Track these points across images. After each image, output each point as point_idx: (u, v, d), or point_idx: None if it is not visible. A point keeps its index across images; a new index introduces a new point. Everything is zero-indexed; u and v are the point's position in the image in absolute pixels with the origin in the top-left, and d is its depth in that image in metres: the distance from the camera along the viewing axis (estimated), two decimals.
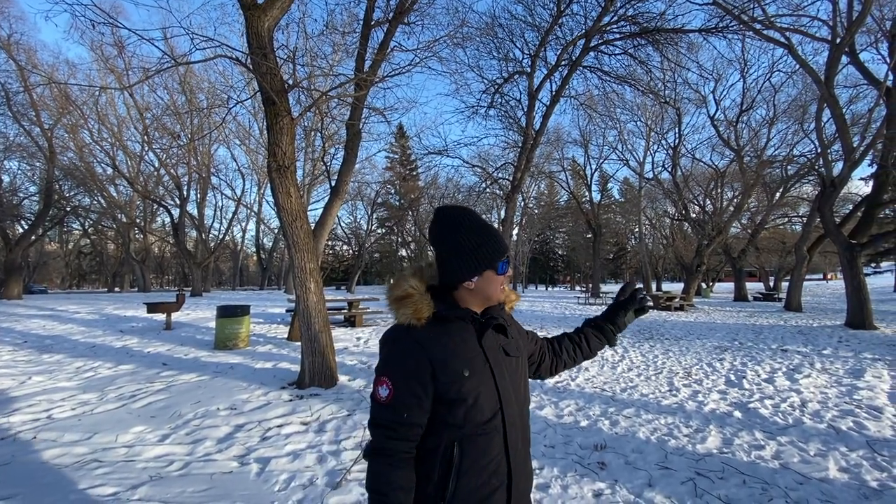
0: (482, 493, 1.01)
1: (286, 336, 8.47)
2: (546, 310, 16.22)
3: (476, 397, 1.02)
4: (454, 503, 0.99)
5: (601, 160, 29.26)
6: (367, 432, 3.82)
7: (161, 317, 10.51)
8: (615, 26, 10.70)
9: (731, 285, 32.15)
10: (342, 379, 5.33)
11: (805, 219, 19.30)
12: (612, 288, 37.98)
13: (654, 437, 3.64)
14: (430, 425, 1.03)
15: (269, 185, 5.44)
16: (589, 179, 29.70)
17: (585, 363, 6.53)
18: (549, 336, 1.45)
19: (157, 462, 3.12)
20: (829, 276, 56.62)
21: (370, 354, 6.93)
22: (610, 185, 34.45)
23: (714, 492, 2.72)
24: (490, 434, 1.03)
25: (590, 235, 33.46)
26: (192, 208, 25.09)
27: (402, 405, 1.00)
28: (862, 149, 10.78)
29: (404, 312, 1.05)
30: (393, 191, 38.21)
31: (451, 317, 1.07)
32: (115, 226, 28.49)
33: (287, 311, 11.33)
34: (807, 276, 20.44)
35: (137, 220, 28.28)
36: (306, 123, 15.35)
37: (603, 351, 7.60)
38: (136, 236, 29.79)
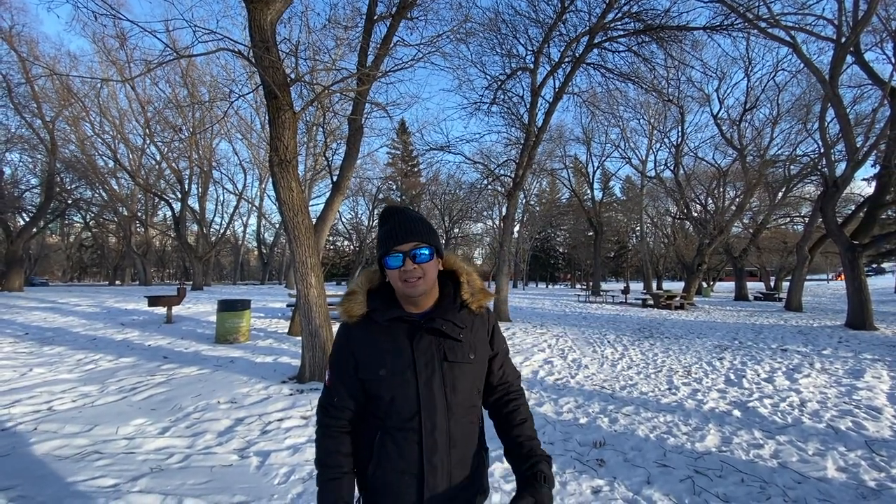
0: (393, 488, 1.08)
1: (287, 331, 8.49)
2: (546, 307, 16.23)
3: (393, 397, 1.08)
4: (371, 488, 1.11)
5: (603, 158, 29.21)
6: None
7: (162, 310, 10.55)
8: (619, 23, 10.63)
9: (731, 285, 32.21)
10: None
11: (807, 219, 19.26)
12: (612, 286, 37.99)
13: (653, 434, 3.64)
14: (364, 414, 1.15)
15: (270, 179, 5.44)
16: (591, 177, 29.66)
17: (584, 361, 6.54)
18: (510, 403, 1.23)
19: (158, 454, 3.14)
20: (839, 277, 56.37)
21: None
22: (612, 183, 34.47)
23: (712, 490, 2.73)
24: (408, 433, 1.08)
25: (591, 233, 33.43)
26: (193, 202, 25.11)
27: (333, 390, 1.16)
28: (865, 149, 10.75)
29: (340, 310, 1.16)
30: (395, 186, 38.14)
31: (380, 317, 1.11)
32: (116, 219, 28.54)
33: (288, 305, 11.34)
34: (809, 277, 20.41)
35: (139, 214, 28.31)
36: (308, 118, 15.31)
37: (603, 349, 7.60)
38: (138, 230, 29.84)
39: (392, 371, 1.08)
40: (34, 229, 20.51)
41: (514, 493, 1.05)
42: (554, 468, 3.08)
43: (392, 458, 1.08)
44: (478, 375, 1.17)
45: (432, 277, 1.11)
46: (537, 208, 39.85)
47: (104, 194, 24.25)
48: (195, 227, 29.42)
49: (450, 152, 13.73)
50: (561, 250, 54.54)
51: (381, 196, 35.33)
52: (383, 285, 1.16)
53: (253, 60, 4.68)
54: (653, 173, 25.53)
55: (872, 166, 15.00)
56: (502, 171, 14.89)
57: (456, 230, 30.71)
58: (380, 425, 1.10)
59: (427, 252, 1.08)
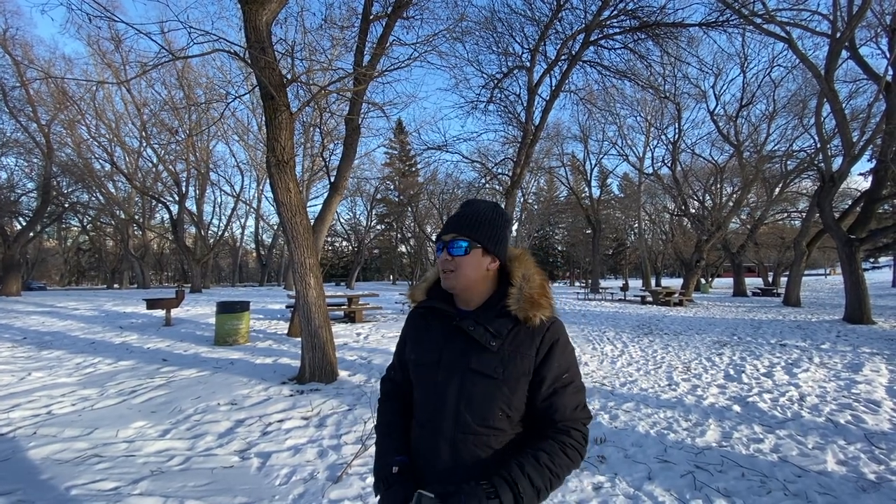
0: (415, 463, 1.10)
1: (286, 332, 8.48)
2: None
3: (416, 386, 1.13)
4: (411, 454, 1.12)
5: (601, 155, 29.28)
6: (368, 427, 3.82)
7: (160, 313, 10.52)
8: (615, 20, 10.64)
9: (730, 280, 32.21)
10: (342, 374, 5.34)
11: (804, 214, 19.31)
12: (611, 283, 38.07)
13: (654, 430, 3.65)
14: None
15: (268, 180, 5.43)
16: (588, 175, 29.67)
17: (584, 358, 6.55)
18: (539, 440, 1.00)
19: (158, 457, 3.13)
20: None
21: (370, 350, 6.94)
22: (609, 180, 34.36)
23: (713, 485, 2.74)
24: (422, 426, 1.09)
25: (589, 231, 33.45)
26: (190, 204, 25.03)
27: (392, 362, 1.27)
28: (861, 144, 10.77)
29: (408, 293, 1.22)
30: (392, 186, 38.15)
31: (423, 306, 1.15)
32: (113, 222, 28.43)
33: (287, 306, 11.34)
34: (806, 272, 20.47)
35: (136, 217, 28.19)
36: (305, 119, 15.28)
37: (604, 347, 7.60)
38: (135, 233, 29.71)
39: (419, 361, 1.11)
40: (31, 233, 20.40)
41: None
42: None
43: (414, 443, 1.12)
44: (504, 396, 1.00)
45: (467, 274, 1.03)
46: (535, 206, 39.88)
47: (101, 198, 24.14)
48: (193, 230, 29.37)
49: (447, 151, 13.77)
50: (559, 248, 54.55)
51: (378, 196, 35.38)
52: None
53: (249, 61, 4.67)
54: (650, 170, 25.59)
55: (869, 160, 15.02)
56: (500, 170, 14.90)
57: None
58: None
59: (462, 246, 1.02)
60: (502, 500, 0.87)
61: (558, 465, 0.95)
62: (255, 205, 32.27)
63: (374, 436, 1.19)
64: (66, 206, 23.81)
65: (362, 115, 7.92)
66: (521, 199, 32.85)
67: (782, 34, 10.59)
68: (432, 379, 1.06)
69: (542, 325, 1.03)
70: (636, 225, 36.13)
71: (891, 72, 10.42)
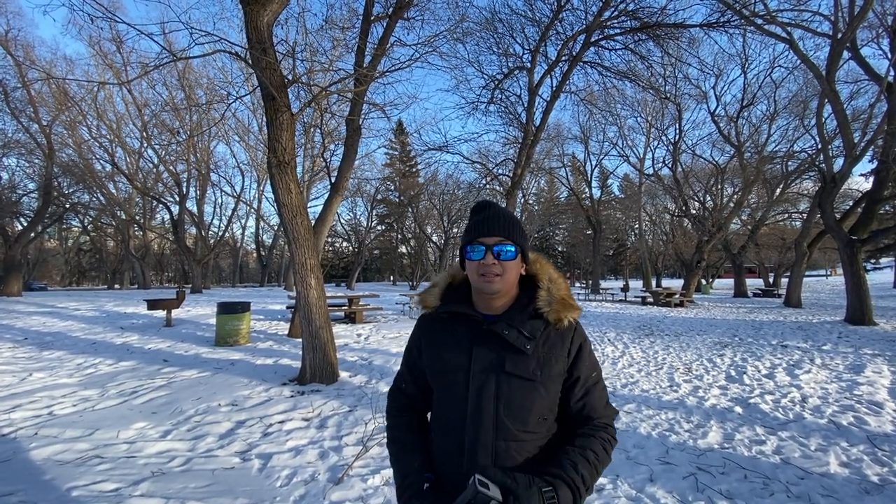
0: (442, 481, 1.06)
1: (287, 332, 8.47)
2: None
3: (441, 397, 1.09)
4: (435, 473, 1.08)
5: (601, 156, 29.27)
6: (368, 428, 3.80)
7: (161, 313, 10.52)
8: (616, 21, 10.65)
9: (730, 281, 32.19)
10: (343, 375, 5.34)
11: (805, 215, 19.29)
12: (612, 284, 38.05)
13: (656, 432, 3.64)
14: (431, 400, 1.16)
15: (268, 181, 5.43)
16: (589, 176, 29.66)
17: None
18: (579, 438, 1.03)
19: (159, 458, 3.13)
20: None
21: (371, 350, 6.93)
22: (610, 181, 34.39)
23: (715, 486, 2.73)
24: (450, 438, 1.05)
25: (590, 232, 33.45)
26: (191, 205, 25.03)
27: (401, 375, 1.22)
28: (863, 144, 10.76)
29: (417, 299, 1.18)
30: (392, 187, 38.14)
31: (446, 311, 1.10)
32: (114, 223, 28.45)
33: (287, 307, 11.34)
34: (807, 273, 20.44)
35: (137, 217, 28.22)
36: (306, 119, 15.28)
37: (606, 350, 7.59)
38: (136, 233, 29.76)
39: (445, 368, 1.06)
40: (32, 234, 20.41)
41: None
42: None
43: (438, 457, 1.08)
44: (542, 398, 1.02)
45: (511, 278, 1.04)
46: (536, 207, 39.84)
47: (102, 198, 24.13)
48: (193, 230, 29.35)
49: (448, 152, 13.75)
50: (560, 249, 54.51)
51: (379, 197, 35.38)
52: (465, 281, 1.12)
53: (250, 62, 4.67)
54: (651, 171, 25.57)
55: (870, 161, 15.05)
56: (500, 171, 14.91)
57: (455, 230, 30.65)
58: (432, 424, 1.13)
59: (511, 250, 1.02)
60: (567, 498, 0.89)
61: (602, 463, 1.00)
62: (255, 205, 32.26)
63: (383, 444, 1.16)
64: (67, 206, 23.82)
65: (363, 116, 7.93)
66: (522, 200, 32.83)
67: (783, 35, 10.59)
68: (462, 385, 1.03)
69: (571, 326, 1.06)
70: (637, 226, 36.11)
71: (892, 72, 10.42)
